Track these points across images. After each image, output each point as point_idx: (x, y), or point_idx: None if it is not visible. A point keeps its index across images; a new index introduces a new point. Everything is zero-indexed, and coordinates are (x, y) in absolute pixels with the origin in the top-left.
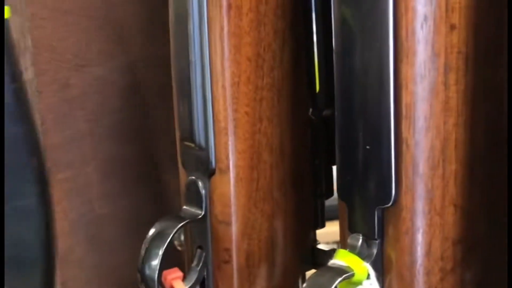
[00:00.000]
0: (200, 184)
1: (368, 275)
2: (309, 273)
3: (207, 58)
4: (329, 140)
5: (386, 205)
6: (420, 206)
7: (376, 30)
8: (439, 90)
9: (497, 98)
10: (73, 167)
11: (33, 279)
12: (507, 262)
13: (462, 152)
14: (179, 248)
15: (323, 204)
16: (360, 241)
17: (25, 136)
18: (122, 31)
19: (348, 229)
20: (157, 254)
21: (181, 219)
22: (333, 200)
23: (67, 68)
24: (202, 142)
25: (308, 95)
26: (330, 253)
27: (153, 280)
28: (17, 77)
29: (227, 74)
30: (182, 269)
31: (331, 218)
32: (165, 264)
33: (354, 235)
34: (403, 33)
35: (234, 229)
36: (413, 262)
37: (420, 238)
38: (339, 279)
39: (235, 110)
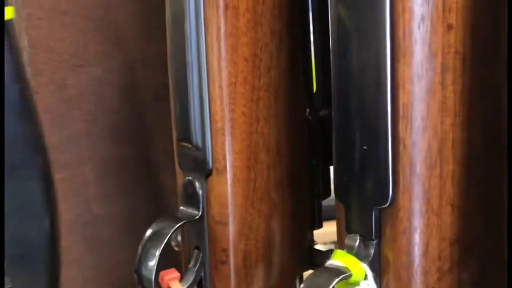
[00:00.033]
0: (197, 184)
1: (366, 275)
2: (307, 273)
3: (204, 58)
4: (326, 140)
5: (384, 206)
6: (418, 206)
7: (373, 30)
8: (436, 90)
9: (494, 98)
10: (70, 168)
11: (38, 277)
12: (507, 262)
13: (459, 152)
14: (176, 248)
15: (320, 205)
16: (358, 241)
17: (30, 136)
18: (119, 32)
19: (345, 229)
20: (154, 254)
21: (178, 219)
22: (331, 200)
23: (64, 68)
24: (199, 143)
25: (305, 95)
26: (328, 254)
27: (150, 280)
28: (21, 77)
29: (224, 74)
30: (179, 270)
31: (329, 219)
32: (162, 264)
33: (352, 235)
34: (400, 33)
35: (231, 229)
36: (410, 262)
37: (417, 238)
38: (337, 280)
39: (232, 111)
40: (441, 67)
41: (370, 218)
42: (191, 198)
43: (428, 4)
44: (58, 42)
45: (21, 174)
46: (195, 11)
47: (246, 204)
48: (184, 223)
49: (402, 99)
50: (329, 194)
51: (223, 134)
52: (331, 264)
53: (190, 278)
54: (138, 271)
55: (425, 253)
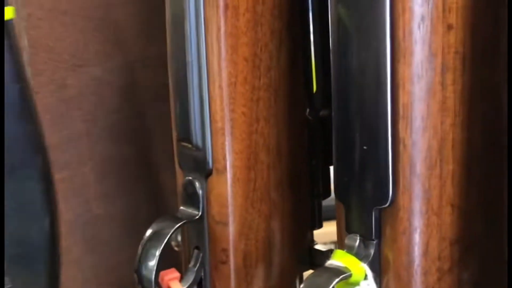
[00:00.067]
0: (197, 184)
1: (366, 275)
2: (307, 273)
3: (204, 58)
4: (326, 140)
5: (384, 206)
6: (418, 206)
7: (373, 30)
8: (436, 90)
9: (494, 98)
10: (70, 168)
11: (39, 277)
12: (507, 262)
13: (459, 152)
14: (176, 248)
15: (320, 205)
16: (358, 241)
17: (30, 136)
18: (119, 32)
19: (345, 229)
20: (154, 254)
21: (178, 219)
22: (331, 200)
23: (64, 68)
24: (199, 143)
25: (305, 95)
26: (328, 254)
27: (150, 280)
28: (21, 77)
29: (224, 75)
30: (179, 270)
31: (329, 219)
32: (162, 264)
33: (352, 235)
34: (400, 33)
35: (231, 229)
36: (410, 262)
37: (417, 238)
38: (337, 280)
39: (232, 111)
40: (441, 67)
41: (370, 218)
42: (191, 198)
43: (428, 4)
44: (58, 42)
45: (21, 174)
46: (195, 11)
47: (246, 204)
48: (184, 223)
49: (402, 99)
50: (329, 194)
51: (223, 134)
52: (331, 264)
53: (190, 278)
54: (138, 271)
55: (425, 253)
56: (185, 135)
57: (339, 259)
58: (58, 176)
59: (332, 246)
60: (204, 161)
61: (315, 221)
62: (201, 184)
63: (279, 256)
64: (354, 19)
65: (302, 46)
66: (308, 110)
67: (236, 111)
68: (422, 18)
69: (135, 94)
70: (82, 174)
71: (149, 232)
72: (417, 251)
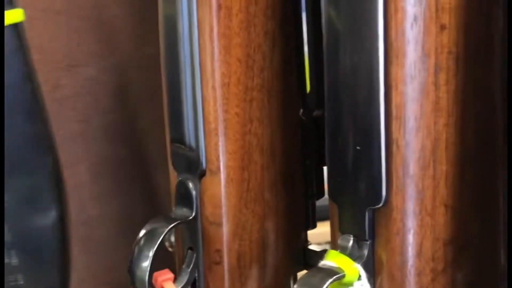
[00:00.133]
0: (190, 185)
1: (359, 276)
2: (301, 274)
3: (197, 59)
4: (319, 140)
5: (377, 206)
6: (411, 206)
7: (366, 30)
8: (430, 90)
9: (488, 98)
10: (65, 168)
11: (50, 273)
12: (506, 261)
13: (453, 152)
14: (170, 249)
15: (314, 205)
16: (351, 242)
17: (42, 135)
18: (113, 32)
19: (339, 230)
20: (148, 255)
21: (172, 220)
22: (325, 200)
23: (58, 68)
24: (193, 143)
25: (298, 95)
26: (322, 254)
27: (143, 281)
28: (32, 77)
29: (217, 75)
30: (173, 271)
31: (324, 219)
32: (156, 265)
33: (345, 236)
34: (392, 33)
35: (225, 230)
36: (404, 263)
37: (411, 238)
38: (330, 280)
39: (225, 111)
40: (434, 67)
41: (364, 219)
42: (185, 199)
43: (421, 4)
44: (52, 42)
45: (32, 174)
46: (188, 12)
47: (240, 205)
48: (177, 223)
49: (395, 99)
50: (323, 194)
51: (217, 134)
52: (324, 265)
53: (184, 279)
54: (131, 272)
55: (419, 253)
56: (179, 135)
57: (333, 260)
58: None
59: (327, 247)
60: (197, 161)
61: (309, 221)
62: (194, 184)
63: (273, 257)
64: (346, 20)
65: (296, 47)
66: (301, 110)
67: (229, 111)
68: (415, 18)
69: (130, 94)
70: (77, 175)
71: (142, 232)
72: (410, 251)
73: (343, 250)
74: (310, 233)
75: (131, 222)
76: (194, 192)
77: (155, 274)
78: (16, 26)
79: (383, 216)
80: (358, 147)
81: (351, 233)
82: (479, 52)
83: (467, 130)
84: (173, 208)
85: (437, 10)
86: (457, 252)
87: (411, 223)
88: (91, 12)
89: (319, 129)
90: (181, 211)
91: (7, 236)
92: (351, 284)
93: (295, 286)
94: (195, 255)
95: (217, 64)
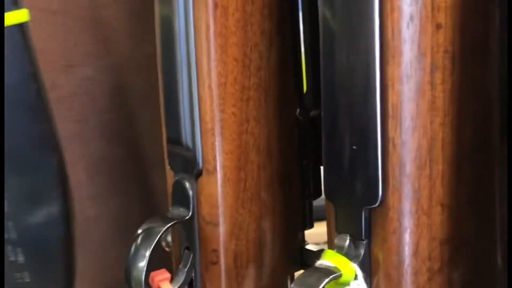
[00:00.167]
0: (187, 185)
1: (356, 275)
2: (298, 273)
3: (193, 58)
4: (316, 140)
5: (373, 205)
6: (407, 206)
7: (362, 30)
8: (426, 89)
9: (484, 97)
10: None
11: (56, 271)
12: (507, 261)
13: (449, 151)
14: (166, 249)
15: (311, 205)
16: (348, 241)
17: (47, 134)
18: (109, 32)
19: (335, 229)
20: (144, 255)
21: (168, 220)
22: (323, 200)
23: (55, 69)
24: (189, 143)
25: (295, 95)
26: (318, 254)
27: (140, 281)
28: (37, 77)
29: (214, 75)
30: (170, 270)
31: (322, 219)
32: (153, 265)
33: (342, 235)
34: (389, 33)
35: (222, 230)
36: (400, 262)
37: (407, 238)
38: (326, 280)
39: (222, 111)
40: (430, 66)
41: (360, 218)
42: (182, 199)
43: (417, 3)
44: (48, 42)
45: (38, 172)
46: (184, 11)
47: (237, 205)
48: (174, 223)
49: (391, 99)
50: (320, 194)
51: (213, 134)
52: (321, 264)
53: (181, 278)
54: (128, 272)
55: (415, 253)
56: (175, 135)
57: (329, 259)
58: None
59: (325, 247)
60: (194, 161)
61: (306, 221)
62: (191, 184)
63: (270, 257)
64: (342, 19)
65: (293, 46)
66: (298, 110)
67: (226, 111)
68: (411, 18)
69: (127, 94)
70: (74, 174)
71: (139, 232)
72: (407, 251)
73: (340, 249)
74: (308, 233)
75: (128, 222)
76: (190, 192)
77: (152, 274)
78: (21, 26)
79: (379, 216)
80: (354, 147)
81: (347, 233)
82: (475, 51)
83: (463, 129)
84: (170, 208)
85: (433, 9)
86: (453, 251)
87: (408, 223)
88: (88, 12)
89: (316, 128)
90: (178, 211)
91: (13, 235)
92: (348, 284)
93: (292, 285)
94: (191, 255)
95: (213, 64)
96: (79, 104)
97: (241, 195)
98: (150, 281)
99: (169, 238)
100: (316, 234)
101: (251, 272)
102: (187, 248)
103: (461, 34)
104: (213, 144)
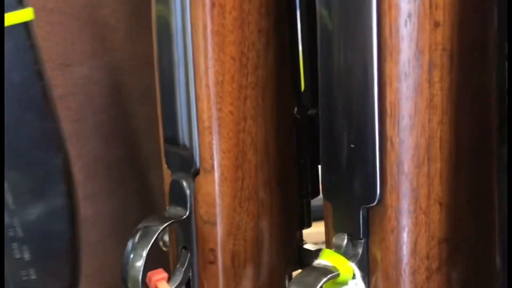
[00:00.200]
0: (184, 184)
1: (354, 275)
2: (296, 273)
3: (190, 57)
4: (314, 139)
5: (371, 204)
6: (405, 205)
7: (360, 28)
8: (424, 87)
9: (483, 95)
10: None
11: (62, 268)
12: (507, 261)
13: (447, 150)
14: (163, 248)
15: (309, 204)
16: (345, 240)
17: (52, 132)
18: (106, 31)
19: (333, 228)
20: (141, 255)
21: (166, 219)
22: (321, 200)
23: (52, 68)
24: (186, 142)
25: (293, 94)
26: (316, 253)
27: (137, 281)
28: (43, 75)
29: (211, 73)
30: (167, 270)
31: (320, 218)
32: (150, 264)
33: (339, 234)
34: (386, 30)
35: (219, 229)
36: (398, 261)
37: (405, 237)
38: (324, 279)
39: (219, 109)
40: (428, 64)
41: (358, 217)
42: (179, 198)
43: (415, 1)
44: (45, 41)
45: (43, 170)
46: (181, 9)
47: (234, 204)
48: (171, 223)
49: (389, 97)
50: (317, 193)
51: (210, 133)
52: (319, 264)
53: (178, 278)
54: (125, 272)
55: (414, 252)
56: (172, 134)
57: (327, 259)
58: None
59: (323, 246)
60: (191, 160)
61: (304, 220)
62: (188, 183)
63: (267, 256)
64: (340, 17)
65: (290, 45)
66: (296, 108)
67: (223, 110)
68: (409, 15)
69: (124, 93)
70: None
71: (136, 232)
72: (405, 250)
73: (338, 249)
74: (306, 232)
75: (125, 222)
76: (188, 191)
77: (149, 273)
78: (26, 24)
79: (377, 215)
80: (352, 145)
81: (345, 232)
82: (473, 49)
83: (461, 127)
84: (167, 207)
85: (431, 7)
86: (452, 250)
87: (406, 221)
88: (85, 11)
89: (313, 127)
90: (175, 210)
91: (19, 232)
92: (346, 283)
93: (290, 285)
94: (189, 255)
95: (210, 62)
96: (76, 104)
97: (238, 194)
98: (147, 280)
99: (166, 238)
100: (314, 234)
101: (248, 272)
102: (185, 247)
103: (459, 32)
104: (210, 143)
